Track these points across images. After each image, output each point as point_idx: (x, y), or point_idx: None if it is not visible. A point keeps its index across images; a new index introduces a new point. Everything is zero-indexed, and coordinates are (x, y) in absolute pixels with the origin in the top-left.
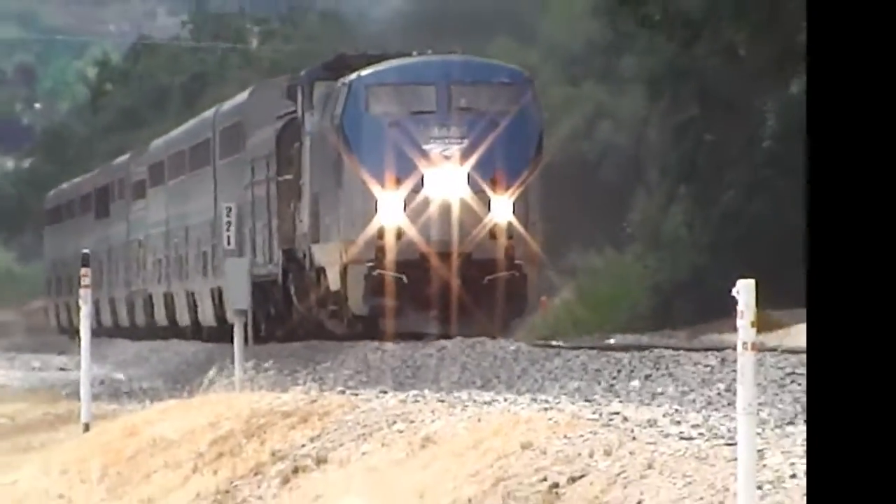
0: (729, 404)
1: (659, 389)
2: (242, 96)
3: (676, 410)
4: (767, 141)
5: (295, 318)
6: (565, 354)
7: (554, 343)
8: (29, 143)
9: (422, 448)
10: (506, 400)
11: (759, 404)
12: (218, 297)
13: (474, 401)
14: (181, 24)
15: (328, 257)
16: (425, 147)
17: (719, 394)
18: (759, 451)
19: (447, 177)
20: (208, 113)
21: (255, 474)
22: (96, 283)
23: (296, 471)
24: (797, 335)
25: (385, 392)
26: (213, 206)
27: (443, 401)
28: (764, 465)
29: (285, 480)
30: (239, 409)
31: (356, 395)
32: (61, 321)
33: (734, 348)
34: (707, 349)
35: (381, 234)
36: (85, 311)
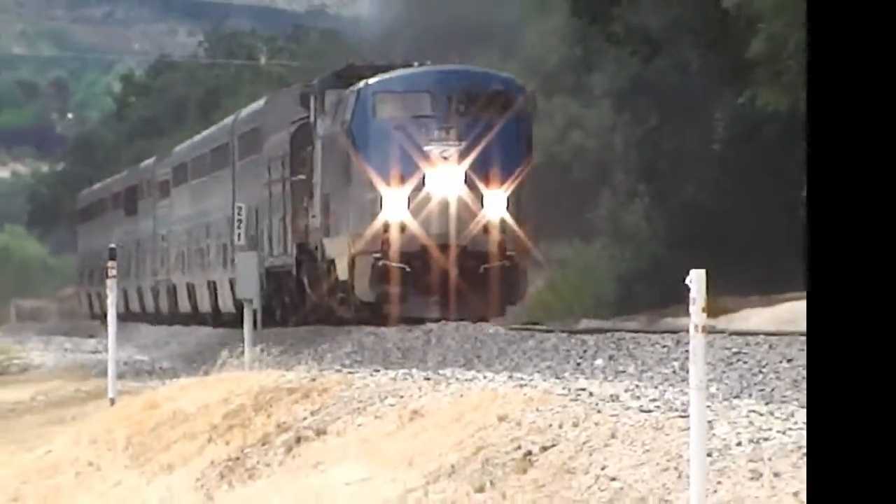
0: (682, 381)
1: (621, 368)
2: (259, 104)
3: (636, 386)
4: (717, 145)
5: (307, 305)
6: (538, 337)
7: (528, 327)
8: (62, 149)
9: (410, 420)
10: (485, 377)
11: (709, 380)
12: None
13: (457, 378)
14: (198, 44)
15: (338, 249)
16: (426, 148)
17: (674, 371)
18: (708, 421)
19: (446, 176)
20: (228, 119)
21: (263, 444)
22: (125, 274)
23: (298, 441)
24: (743, 319)
25: (377, 371)
26: (231, 203)
27: (429, 378)
28: (713, 435)
29: (289, 449)
30: (248, 386)
31: (352, 373)
32: (93, 307)
33: (687, 331)
34: (664, 332)
35: (386, 227)
36: (111, 299)
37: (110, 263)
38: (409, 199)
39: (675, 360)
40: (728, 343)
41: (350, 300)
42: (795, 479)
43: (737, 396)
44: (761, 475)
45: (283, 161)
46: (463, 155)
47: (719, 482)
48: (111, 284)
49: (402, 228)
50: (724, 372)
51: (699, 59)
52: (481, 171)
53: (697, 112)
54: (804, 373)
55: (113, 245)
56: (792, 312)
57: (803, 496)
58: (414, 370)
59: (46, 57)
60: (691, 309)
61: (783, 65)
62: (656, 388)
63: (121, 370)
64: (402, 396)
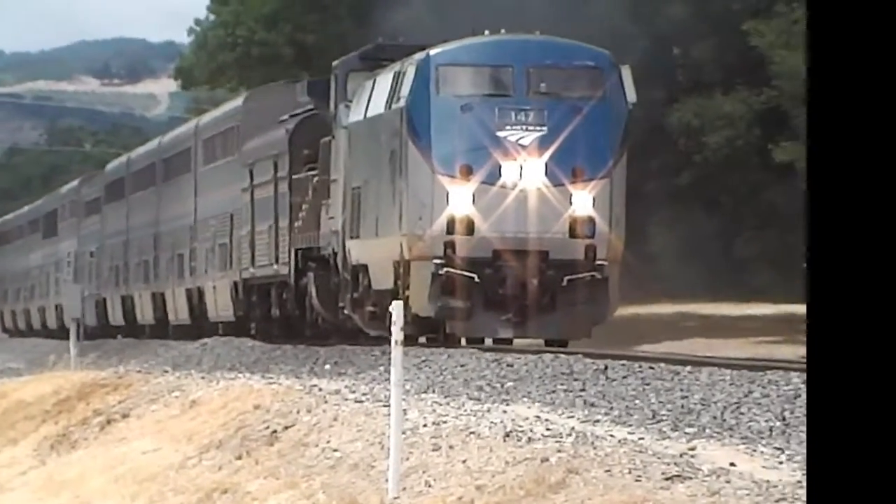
0: (386, 380)
1: (342, 370)
2: (235, 102)
3: (353, 384)
4: None
5: (309, 318)
6: (284, 349)
7: (277, 342)
8: None
9: (190, 408)
10: (245, 377)
11: (405, 380)
12: (198, 296)
13: (224, 378)
14: (39, 135)
15: (375, 253)
16: (500, 134)
17: (380, 373)
18: (404, 410)
19: (524, 168)
20: (188, 125)
21: (83, 424)
22: (44, 293)
23: (109, 422)
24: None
25: (167, 371)
26: (193, 211)
27: (204, 377)
28: (407, 419)
29: (102, 428)
30: (73, 381)
31: (149, 373)
32: (4, 322)
33: (390, 344)
34: (373, 345)
35: (450, 228)
36: None
37: None
38: (477, 194)
39: (382, 365)
40: (419, 353)
41: (385, 313)
42: (464, 451)
43: (424, 392)
44: (440, 447)
45: (278, 161)
46: (544, 143)
47: (411, 452)
48: None
49: (470, 229)
50: (415, 374)
51: None
52: (566, 162)
53: None
54: (473, 374)
55: None
56: None
57: (471, 463)
58: (193, 371)
59: None
60: (393, 328)
61: None
62: (367, 385)
63: None
64: (184, 390)
